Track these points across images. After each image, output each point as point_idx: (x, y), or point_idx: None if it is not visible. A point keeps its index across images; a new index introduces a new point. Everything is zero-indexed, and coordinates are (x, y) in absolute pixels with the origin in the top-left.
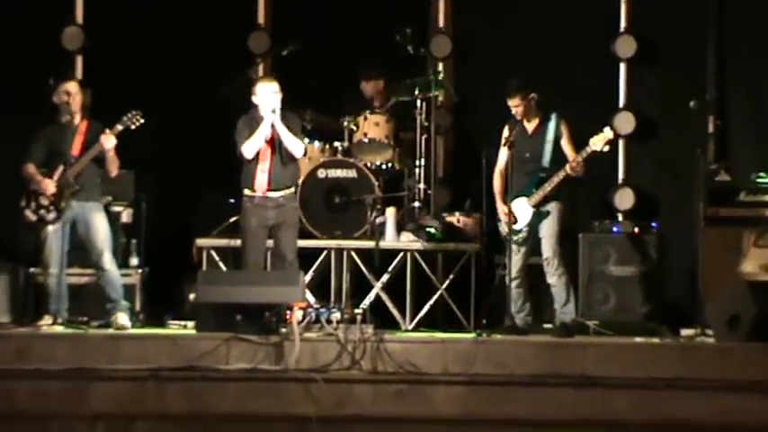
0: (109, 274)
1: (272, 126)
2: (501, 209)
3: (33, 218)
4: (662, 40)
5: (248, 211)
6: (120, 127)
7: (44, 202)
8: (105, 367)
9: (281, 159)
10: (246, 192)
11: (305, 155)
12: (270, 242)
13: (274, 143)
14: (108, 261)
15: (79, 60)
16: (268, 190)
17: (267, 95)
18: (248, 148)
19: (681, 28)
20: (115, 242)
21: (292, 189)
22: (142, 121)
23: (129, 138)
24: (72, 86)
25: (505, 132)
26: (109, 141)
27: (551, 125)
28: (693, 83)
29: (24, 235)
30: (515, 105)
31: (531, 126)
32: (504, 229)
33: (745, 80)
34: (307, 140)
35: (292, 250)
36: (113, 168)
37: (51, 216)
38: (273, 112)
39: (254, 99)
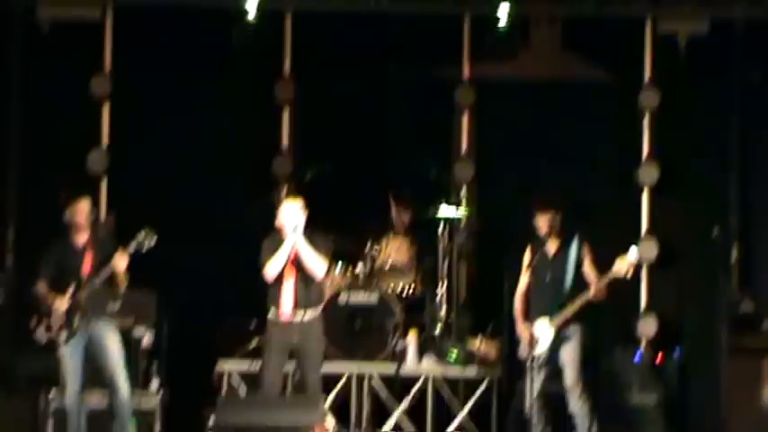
0: (121, 394)
1: (296, 246)
2: (522, 331)
3: (44, 339)
4: (685, 167)
5: (272, 331)
6: (133, 246)
7: (55, 322)
8: None
9: (305, 279)
10: (271, 311)
11: (327, 275)
12: (292, 365)
13: (298, 263)
14: (121, 381)
15: (104, 183)
16: (292, 310)
17: (290, 214)
18: (270, 269)
19: (704, 155)
20: (135, 365)
21: (317, 309)
22: (155, 239)
23: (151, 259)
24: (83, 204)
25: (527, 255)
26: (122, 262)
27: (573, 248)
28: (716, 210)
29: (36, 357)
30: (541, 222)
31: (553, 248)
32: (524, 352)
33: None
34: (340, 264)
35: (316, 379)
36: (122, 287)
37: (63, 337)
38: (295, 230)
39: (278, 220)
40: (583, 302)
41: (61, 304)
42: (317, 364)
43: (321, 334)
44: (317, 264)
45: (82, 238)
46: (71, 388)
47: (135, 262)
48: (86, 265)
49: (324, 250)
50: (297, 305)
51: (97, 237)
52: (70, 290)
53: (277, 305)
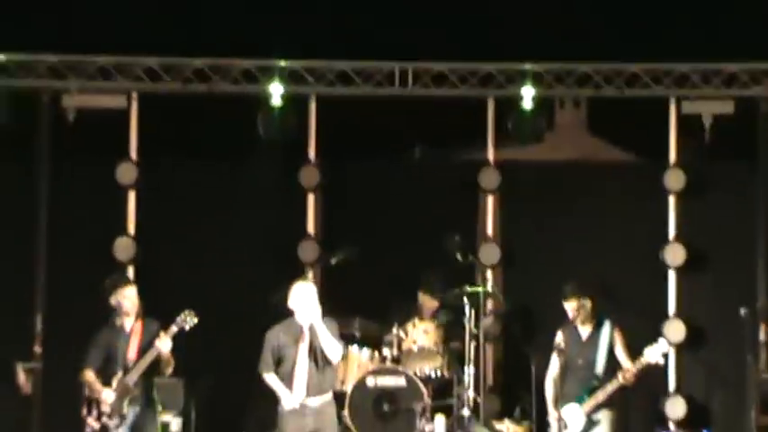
0: None
1: (310, 330)
2: (553, 415)
3: (96, 426)
4: (711, 248)
5: (285, 418)
6: (174, 328)
7: (106, 409)
8: None
9: (317, 365)
10: (283, 400)
11: (344, 359)
12: None
13: (313, 348)
14: None
15: (131, 270)
16: (306, 397)
17: (303, 295)
18: (267, 377)
19: (730, 236)
20: None
21: (330, 394)
22: (196, 320)
23: (178, 345)
24: (128, 289)
25: (558, 338)
26: (165, 344)
27: (605, 332)
28: (743, 290)
29: None
30: (572, 309)
31: (584, 332)
32: None
33: None
34: (356, 347)
35: None
36: (168, 369)
37: (114, 423)
38: (313, 313)
39: (290, 302)
40: (614, 388)
41: (110, 392)
42: None
43: (335, 417)
44: (334, 348)
45: (127, 323)
46: None
47: None
48: (133, 350)
49: (335, 334)
50: (309, 392)
51: (143, 321)
52: (118, 376)
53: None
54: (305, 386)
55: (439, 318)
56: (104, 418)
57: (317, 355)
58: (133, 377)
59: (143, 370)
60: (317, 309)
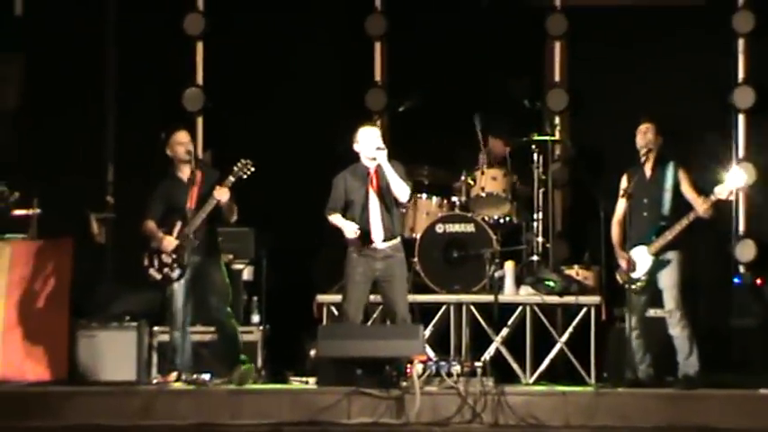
0: (228, 328)
1: (377, 171)
2: (620, 256)
3: (158, 276)
4: None
5: (354, 262)
6: (232, 178)
7: (167, 260)
8: (228, 423)
9: (387, 207)
10: (352, 242)
11: (410, 202)
12: (378, 297)
13: (381, 190)
14: (227, 316)
15: (200, 121)
16: (375, 240)
17: (370, 138)
18: (331, 218)
19: None
20: (237, 299)
21: (398, 239)
22: (253, 169)
23: (249, 195)
24: (182, 137)
25: (623, 182)
26: (223, 195)
27: (669, 173)
28: None
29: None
30: (647, 128)
31: (649, 172)
32: (622, 277)
33: None
34: (424, 195)
35: (405, 305)
36: (231, 217)
37: (176, 274)
38: (380, 149)
39: (356, 146)
40: (683, 227)
41: (171, 241)
42: (405, 290)
43: (404, 263)
44: (402, 188)
45: (185, 172)
46: (179, 323)
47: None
48: (191, 199)
49: (404, 175)
50: (380, 234)
51: (200, 169)
52: (177, 226)
53: (362, 234)
54: (376, 228)
55: (507, 164)
56: (166, 269)
57: (385, 197)
58: (192, 227)
59: (202, 219)
60: (383, 150)
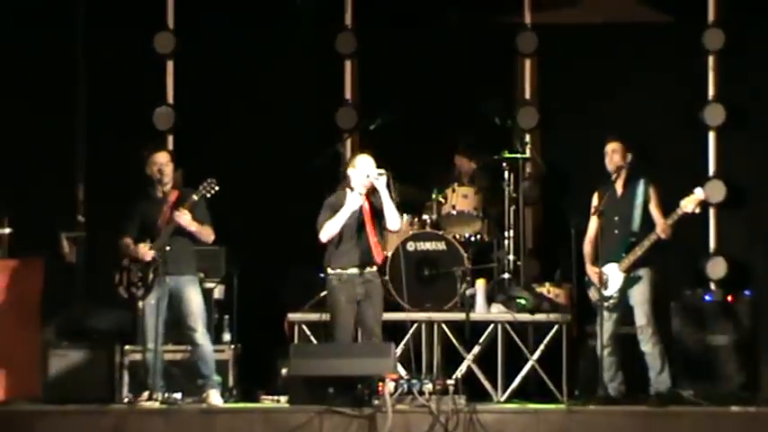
0: (202, 349)
1: (368, 198)
2: (592, 274)
3: (125, 295)
4: (751, 107)
5: (337, 289)
6: (194, 197)
7: (134, 278)
8: None
9: (376, 233)
10: (333, 269)
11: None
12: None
13: (373, 215)
14: (201, 336)
15: (170, 139)
16: (359, 266)
17: (367, 165)
18: (329, 229)
19: None
20: (209, 318)
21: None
22: (217, 188)
23: (219, 213)
24: (162, 157)
25: (595, 199)
26: (182, 217)
27: (640, 189)
28: None
29: (109, 314)
30: (613, 150)
31: (620, 189)
32: (594, 294)
33: None
34: (405, 216)
35: (378, 323)
36: (206, 239)
37: (140, 292)
38: (381, 174)
39: (351, 170)
40: (651, 243)
41: (146, 251)
42: (381, 314)
43: (381, 285)
44: (395, 215)
45: (161, 191)
46: (151, 341)
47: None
48: (163, 218)
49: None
50: (363, 261)
51: (181, 191)
52: (146, 244)
53: (342, 262)
54: (358, 256)
55: (478, 182)
56: (132, 288)
57: (378, 223)
58: (158, 245)
59: (168, 238)
60: (384, 175)
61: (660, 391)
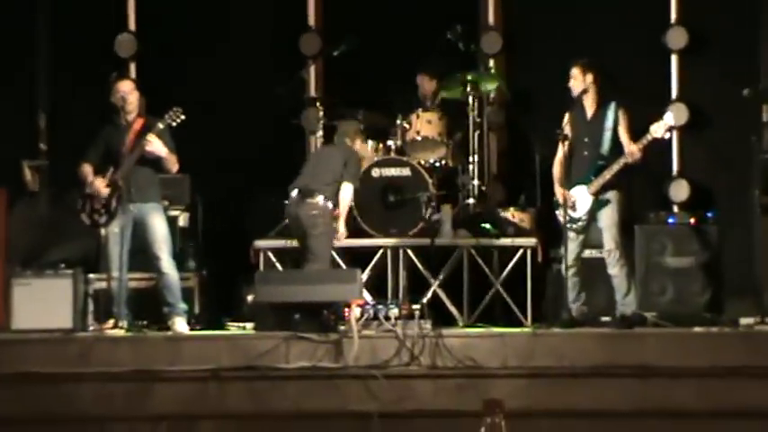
0: (167, 277)
1: None
2: (560, 194)
3: (88, 221)
4: (713, 30)
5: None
6: (161, 125)
7: (96, 205)
8: (167, 369)
9: None
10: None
11: None
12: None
13: None
14: (167, 264)
15: (132, 67)
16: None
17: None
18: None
19: (732, 17)
20: (173, 246)
21: None
22: (183, 117)
23: (183, 141)
24: (126, 85)
25: (565, 121)
26: (150, 144)
27: (610, 113)
28: (746, 72)
29: (72, 242)
30: (573, 77)
31: (590, 111)
32: (562, 215)
33: None
34: (370, 142)
35: None
36: (171, 167)
37: (103, 219)
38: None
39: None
40: (620, 167)
41: (99, 184)
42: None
43: None
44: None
45: (125, 119)
46: (115, 269)
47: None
48: (127, 146)
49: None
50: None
51: (146, 118)
52: (110, 171)
53: None
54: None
55: (442, 107)
56: (95, 215)
57: None
58: (122, 172)
59: (132, 165)
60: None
61: (625, 314)
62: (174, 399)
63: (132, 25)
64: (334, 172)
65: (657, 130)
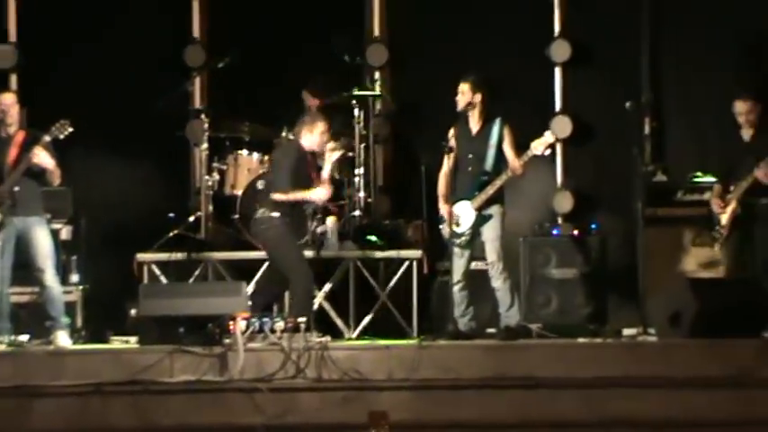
0: (51, 291)
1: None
2: (444, 210)
3: None
4: (596, 44)
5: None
6: (47, 138)
7: None
8: (48, 384)
9: None
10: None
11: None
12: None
13: None
14: (50, 278)
15: (14, 78)
16: None
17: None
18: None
19: (615, 31)
20: (56, 259)
21: None
22: (71, 129)
23: (66, 153)
24: (7, 98)
25: (451, 135)
26: (37, 156)
27: (495, 129)
28: (628, 85)
29: None
30: (462, 92)
31: (475, 128)
32: (446, 231)
33: (680, 81)
34: (245, 151)
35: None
36: (55, 180)
37: None
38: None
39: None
40: (503, 182)
41: None
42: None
43: None
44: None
45: (11, 133)
46: None
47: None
48: (11, 159)
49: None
50: None
51: (27, 131)
52: None
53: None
54: None
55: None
56: None
57: None
58: (7, 185)
59: (17, 178)
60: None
61: (509, 326)
62: (56, 414)
63: (13, 36)
64: (267, 183)
65: (538, 147)
